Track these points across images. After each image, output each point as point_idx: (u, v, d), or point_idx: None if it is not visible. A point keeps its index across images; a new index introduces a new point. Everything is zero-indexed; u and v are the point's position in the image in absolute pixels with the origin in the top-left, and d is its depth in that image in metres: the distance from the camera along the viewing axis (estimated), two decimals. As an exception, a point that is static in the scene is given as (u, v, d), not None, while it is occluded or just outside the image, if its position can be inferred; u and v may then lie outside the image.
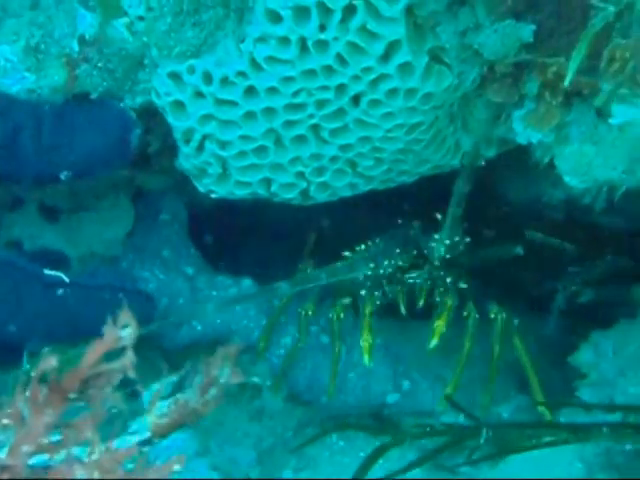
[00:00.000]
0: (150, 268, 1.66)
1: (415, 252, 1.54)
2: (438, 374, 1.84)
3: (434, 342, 1.49)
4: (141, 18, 1.21)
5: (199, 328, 1.74)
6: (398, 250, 1.55)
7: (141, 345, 0.77)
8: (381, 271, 1.53)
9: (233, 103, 1.28)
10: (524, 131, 1.27)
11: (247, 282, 1.79)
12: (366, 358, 1.58)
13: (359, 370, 1.82)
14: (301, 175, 1.39)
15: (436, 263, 1.48)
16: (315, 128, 1.33)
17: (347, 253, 1.58)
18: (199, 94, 1.28)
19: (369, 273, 1.53)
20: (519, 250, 1.63)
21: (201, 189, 1.41)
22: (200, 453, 1.84)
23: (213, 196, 1.42)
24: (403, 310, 1.56)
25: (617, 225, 1.69)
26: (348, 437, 1.94)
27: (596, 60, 1.13)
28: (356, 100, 1.30)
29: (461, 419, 1.85)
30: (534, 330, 1.87)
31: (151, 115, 1.33)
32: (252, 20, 1.19)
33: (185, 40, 1.21)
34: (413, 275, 1.54)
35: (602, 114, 1.21)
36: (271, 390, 1.78)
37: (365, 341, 1.58)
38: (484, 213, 1.73)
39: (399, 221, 1.66)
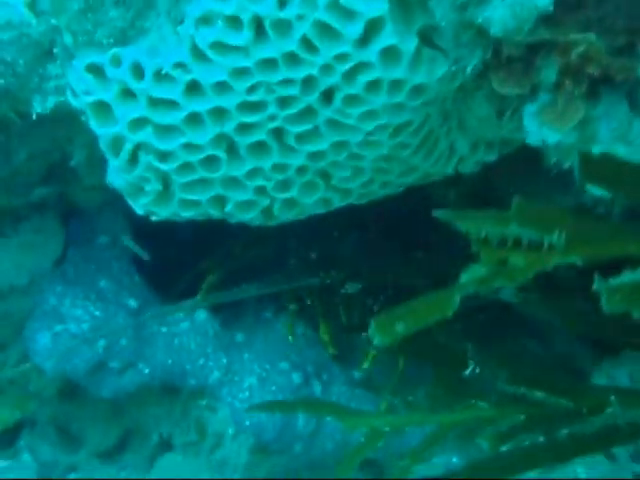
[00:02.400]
0: (83, 304, 1.38)
1: None
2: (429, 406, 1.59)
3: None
4: (48, -5, 0.93)
5: (146, 371, 1.47)
6: None
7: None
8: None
9: (172, 103, 1.01)
10: (538, 130, 1.02)
11: (202, 315, 1.53)
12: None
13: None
14: (262, 191, 1.13)
15: None
16: (277, 133, 1.07)
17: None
18: (128, 92, 1.00)
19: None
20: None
21: (138, 211, 1.14)
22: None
23: (154, 219, 1.15)
24: None
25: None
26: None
27: (634, 36, 0.89)
28: (328, 96, 1.03)
29: (455, 460, 1.62)
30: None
31: (71, 119, 1.06)
32: (192, -5, 0.93)
33: (107, 22, 0.94)
34: None
35: (638, 106, 0.97)
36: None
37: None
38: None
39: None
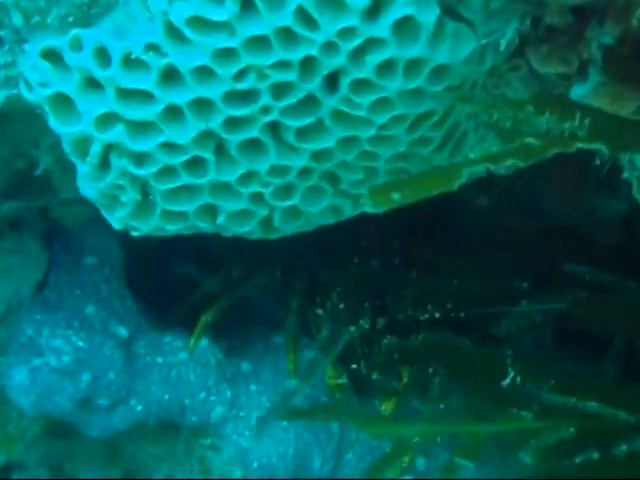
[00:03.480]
0: (64, 333, 1.22)
1: None
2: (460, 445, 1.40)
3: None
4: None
5: (139, 408, 1.30)
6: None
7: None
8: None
9: (145, 94, 0.85)
10: (589, 118, 0.84)
11: (202, 342, 1.36)
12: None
13: (358, 449, 1.38)
14: (259, 198, 0.96)
15: None
16: (274, 128, 0.90)
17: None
18: (92, 82, 0.84)
19: None
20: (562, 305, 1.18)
21: (115, 225, 0.97)
22: None
23: (135, 234, 0.98)
24: None
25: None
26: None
27: None
28: (332, 82, 0.87)
29: None
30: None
31: (34, 117, 0.90)
32: (165, -37, 0.77)
33: (64, -2, 0.78)
34: None
35: None
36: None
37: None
38: (507, 235, 1.30)
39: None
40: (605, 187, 1.24)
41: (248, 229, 0.99)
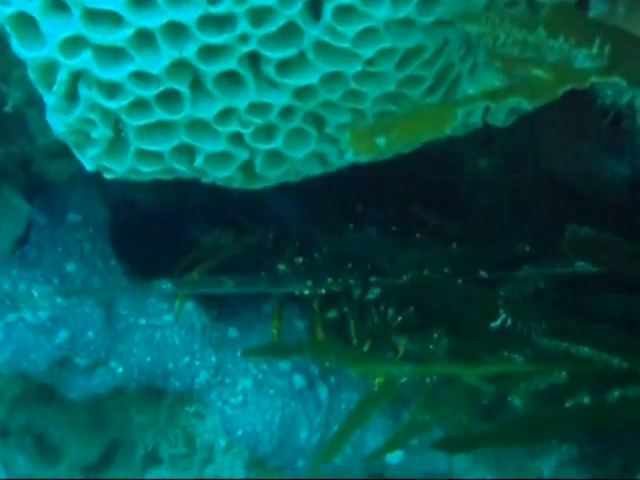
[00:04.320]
0: (43, 289, 1.17)
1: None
2: (456, 422, 1.34)
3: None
4: None
5: (120, 370, 1.25)
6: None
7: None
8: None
9: (115, 17, 0.80)
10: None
11: (188, 305, 1.31)
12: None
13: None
14: (238, 139, 0.90)
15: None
16: (253, 59, 0.84)
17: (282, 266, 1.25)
18: (57, 1, 0.79)
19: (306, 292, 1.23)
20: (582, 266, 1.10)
21: (88, 166, 0.92)
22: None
23: (108, 176, 0.93)
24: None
25: None
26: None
27: None
28: (315, 9, 0.81)
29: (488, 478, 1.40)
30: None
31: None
32: None
33: None
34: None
35: None
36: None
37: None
38: (515, 193, 1.24)
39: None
40: (609, 149, 1.18)
41: (228, 174, 0.94)
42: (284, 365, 1.35)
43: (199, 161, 0.91)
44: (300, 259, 1.25)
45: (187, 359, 1.30)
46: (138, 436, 1.43)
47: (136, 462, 1.46)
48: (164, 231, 1.43)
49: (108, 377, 1.24)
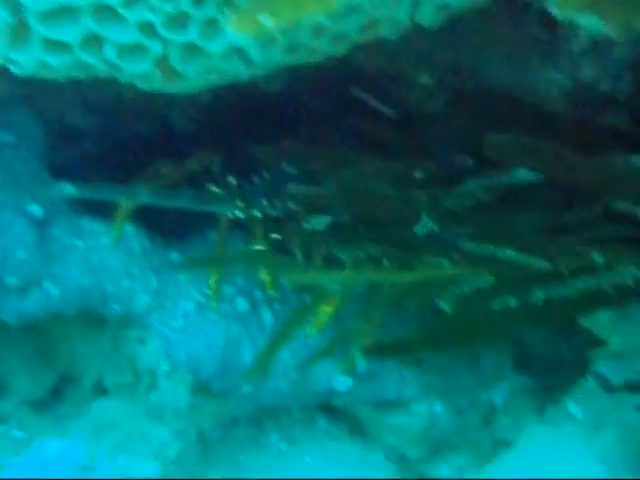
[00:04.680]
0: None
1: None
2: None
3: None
4: None
5: (55, 292, 1.22)
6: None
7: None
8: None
9: None
10: None
11: (127, 229, 1.28)
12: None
13: (295, 346, 1.30)
14: (149, 29, 0.87)
15: None
16: (157, -62, 0.82)
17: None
18: None
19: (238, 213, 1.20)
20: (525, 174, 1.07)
21: (-7, 60, 0.89)
22: (87, 467, 1.34)
23: (16, 71, 0.90)
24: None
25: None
26: (293, 438, 1.46)
27: None
28: None
29: (438, 407, 1.39)
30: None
31: None
32: None
33: None
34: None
35: None
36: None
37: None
38: (456, 107, 1.21)
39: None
40: (547, 58, 1.15)
41: (144, 68, 0.91)
42: (227, 289, 1.33)
43: (109, 53, 0.88)
44: (234, 180, 1.22)
45: (127, 282, 1.28)
46: (84, 367, 1.42)
47: (84, 394, 1.44)
48: (103, 157, 1.40)
49: (42, 298, 1.22)
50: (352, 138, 1.23)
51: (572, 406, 1.08)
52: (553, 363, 1.36)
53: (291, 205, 1.20)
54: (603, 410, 1.04)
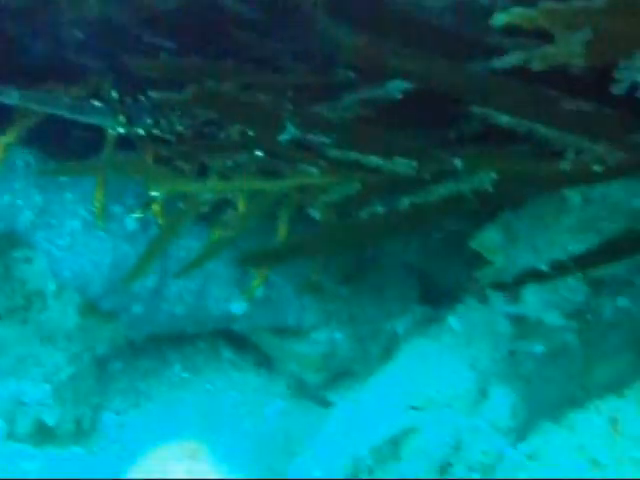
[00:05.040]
0: None
1: None
2: (304, 274, 1.30)
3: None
4: None
5: None
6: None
7: None
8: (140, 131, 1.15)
9: None
10: None
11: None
12: None
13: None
14: None
15: None
16: None
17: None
18: None
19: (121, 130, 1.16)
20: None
21: None
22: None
23: None
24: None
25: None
26: (195, 366, 1.44)
27: None
28: None
29: (338, 335, 1.37)
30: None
31: None
32: None
33: None
34: None
35: None
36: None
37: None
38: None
39: None
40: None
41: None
42: (117, 208, 1.29)
43: None
44: (116, 95, 1.19)
45: (7, 198, 1.24)
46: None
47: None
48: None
49: None
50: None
51: (452, 320, 1.08)
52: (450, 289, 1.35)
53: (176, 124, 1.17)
54: (479, 321, 1.03)
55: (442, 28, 1.01)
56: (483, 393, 0.96)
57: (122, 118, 1.16)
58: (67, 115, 1.14)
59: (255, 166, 1.02)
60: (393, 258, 1.38)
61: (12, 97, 1.07)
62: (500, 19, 0.64)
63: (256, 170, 1.02)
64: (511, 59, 0.70)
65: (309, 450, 1.08)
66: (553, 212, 1.03)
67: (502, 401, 0.93)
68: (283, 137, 0.89)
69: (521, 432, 0.91)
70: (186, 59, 1.18)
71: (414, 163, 0.86)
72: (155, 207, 1.22)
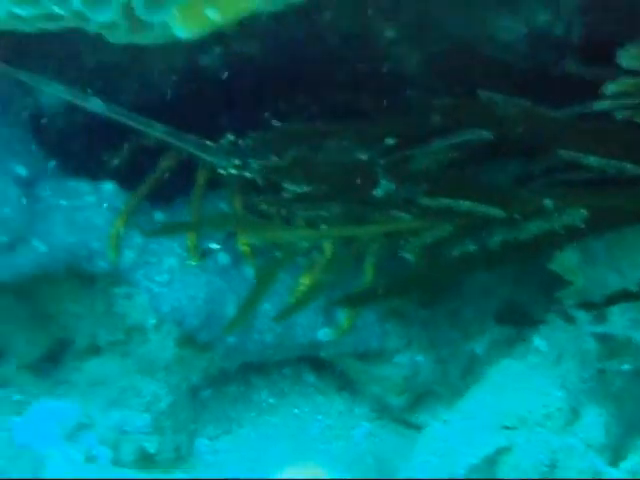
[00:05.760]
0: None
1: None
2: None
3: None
4: None
5: (43, 249, 1.27)
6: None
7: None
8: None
9: None
10: None
11: (108, 186, 1.33)
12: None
13: (277, 299, 1.34)
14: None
15: None
16: None
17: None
18: None
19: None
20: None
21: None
22: (84, 424, 1.39)
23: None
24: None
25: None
26: (281, 391, 1.50)
27: None
28: None
29: (420, 358, 1.42)
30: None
31: None
32: None
33: None
34: None
35: None
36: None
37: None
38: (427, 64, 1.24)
39: None
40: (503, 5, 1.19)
41: (109, 16, 0.96)
42: (211, 244, 1.37)
43: (77, 2, 0.93)
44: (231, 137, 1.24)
45: (112, 240, 1.33)
46: (76, 327, 1.46)
47: (79, 354, 1.48)
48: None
49: (31, 255, 1.26)
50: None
51: (537, 340, 1.12)
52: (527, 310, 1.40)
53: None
54: (565, 341, 1.08)
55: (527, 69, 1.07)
56: (575, 412, 1.01)
57: (237, 160, 1.21)
58: (195, 152, 1.21)
59: (341, 213, 1.09)
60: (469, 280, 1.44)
61: (96, 105, 1.12)
62: (610, 89, 0.70)
63: (341, 216, 1.08)
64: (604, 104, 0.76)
65: (405, 471, 1.14)
66: (632, 233, 1.08)
67: (595, 420, 0.98)
68: (378, 192, 0.96)
69: (616, 450, 0.95)
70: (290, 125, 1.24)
71: (504, 206, 0.92)
72: (244, 249, 1.29)
